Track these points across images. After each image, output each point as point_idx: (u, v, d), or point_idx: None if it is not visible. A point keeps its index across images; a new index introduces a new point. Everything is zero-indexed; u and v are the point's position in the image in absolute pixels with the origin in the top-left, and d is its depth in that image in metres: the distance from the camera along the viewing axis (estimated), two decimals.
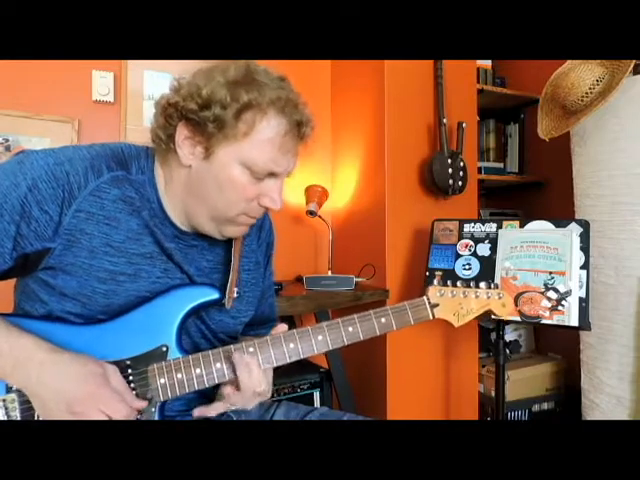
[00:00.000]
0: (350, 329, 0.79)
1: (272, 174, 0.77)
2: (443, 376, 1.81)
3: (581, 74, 1.57)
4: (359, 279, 1.73)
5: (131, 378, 0.73)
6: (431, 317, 0.83)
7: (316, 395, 1.61)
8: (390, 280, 1.71)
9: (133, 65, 1.73)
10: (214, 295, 0.80)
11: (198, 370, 0.74)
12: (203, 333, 0.85)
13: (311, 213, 1.78)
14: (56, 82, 1.64)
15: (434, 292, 0.84)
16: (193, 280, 0.82)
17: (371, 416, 0.97)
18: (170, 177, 0.79)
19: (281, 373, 1.54)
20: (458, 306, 0.83)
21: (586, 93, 1.57)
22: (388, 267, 1.70)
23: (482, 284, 0.85)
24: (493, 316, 0.87)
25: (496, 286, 0.85)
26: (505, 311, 0.84)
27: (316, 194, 1.81)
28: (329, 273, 1.81)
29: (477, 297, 0.84)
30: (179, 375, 0.74)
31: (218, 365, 0.75)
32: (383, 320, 0.81)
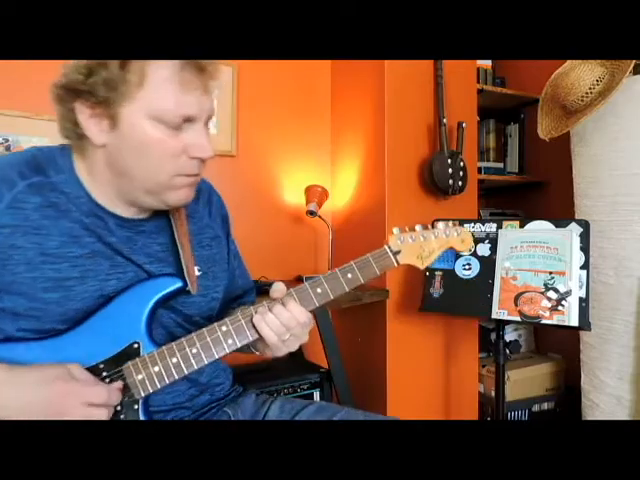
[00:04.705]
0: (319, 290, 0.79)
1: (188, 119, 0.72)
2: (443, 376, 1.81)
3: (581, 74, 1.57)
4: None
5: (107, 380, 0.72)
6: (395, 264, 0.83)
7: (316, 395, 1.61)
8: (390, 280, 1.71)
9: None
10: (177, 284, 0.78)
11: (175, 359, 0.73)
12: (176, 321, 0.83)
13: (311, 213, 1.78)
14: None
15: (395, 240, 0.84)
16: (145, 269, 0.79)
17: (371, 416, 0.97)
18: (92, 166, 0.76)
19: (281, 373, 1.54)
20: (420, 249, 0.84)
21: (586, 93, 1.57)
22: None
23: (440, 224, 0.86)
24: (455, 251, 0.90)
25: (454, 224, 0.87)
26: (465, 246, 0.86)
27: (316, 194, 1.81)
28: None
29: (436, 237, 0.85)
30: (156, 368, 0.72)
31: (194, 350, 0.73)
32: (349, 276, 0.80)
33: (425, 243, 0.85)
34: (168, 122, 0.70)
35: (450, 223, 0.87)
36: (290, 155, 1.97)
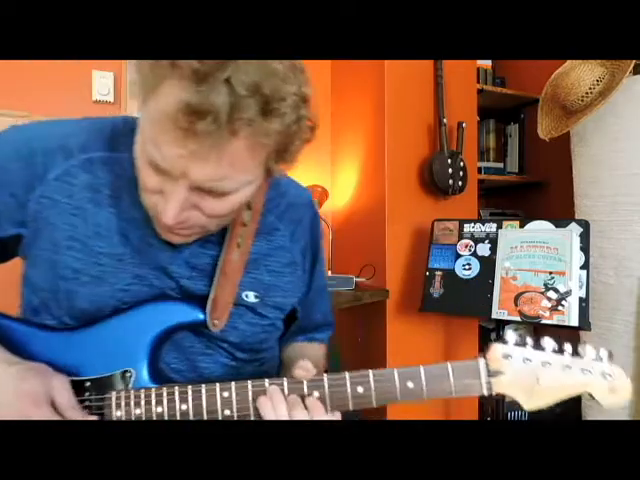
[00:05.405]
0: (359, 390, 0.61)
1: (163, 170, 0.55)
2: None
3: (581, 74, 1.57)
4: (359, 279, 1.73)
5: (88, 403, 0.63)
6: (485, 391, 0.57)
7: None
8: (390, 280, 1.71)
9: (133, 65, 1.73)
10: (194, 317, 0.67)
11: (160, 409, 0.62)
12: (200, 350, 0.70)
13: None
14: (56, 82, 1.64)
15: (497, 353, 0.56)
16: (181, 285, 0.67)
17: (370, 416, 0.97)
18: None
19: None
20: (533, 380, 0.54)
21: (586, 93, 1.57)
22: (388, 267, 1.70)
23: (589, 348, 0.55)
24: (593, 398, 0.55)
25: (609, 356, 0.54)
26: (614, 399, 0.54)
27: (316, 194, 1.81)
28: (329, 273, 1.81)
29: (570, 368, 0.54)
30: (137, 410, 0.62)
31: (184, 407, 0.62)
32: (410, 385, 0.60)
33: (544, 372, 0.54)
34: (146, 156, 0.56)
35: (605, 356, 0.54)
36: None
